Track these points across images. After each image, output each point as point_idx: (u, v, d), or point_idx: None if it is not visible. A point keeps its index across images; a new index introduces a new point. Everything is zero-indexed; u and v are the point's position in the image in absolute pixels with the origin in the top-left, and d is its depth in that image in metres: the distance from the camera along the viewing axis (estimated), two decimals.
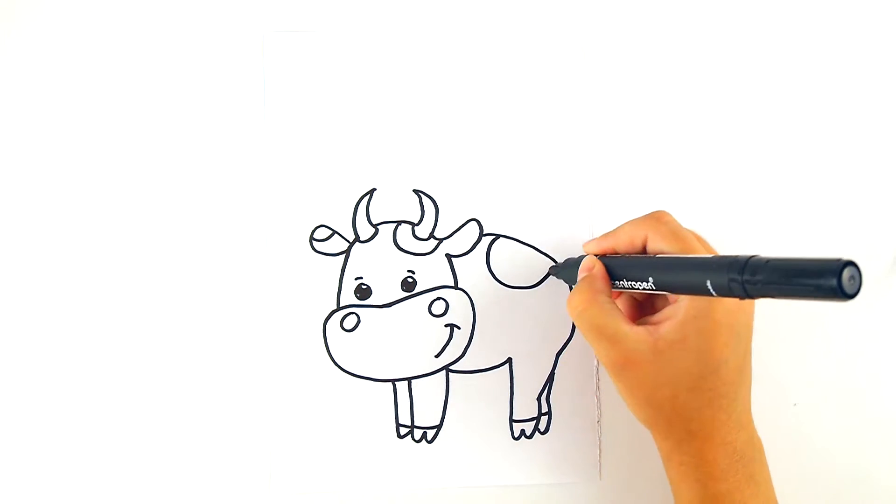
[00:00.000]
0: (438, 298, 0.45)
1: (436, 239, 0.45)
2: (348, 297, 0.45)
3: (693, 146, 0.46)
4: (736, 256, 0.31)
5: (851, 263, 0.26)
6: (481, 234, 0.45)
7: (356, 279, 0.45)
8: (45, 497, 0.44)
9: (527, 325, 0.45)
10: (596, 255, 0.40)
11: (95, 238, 0.45)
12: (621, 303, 0.41)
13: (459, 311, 0.45)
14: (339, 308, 0.45)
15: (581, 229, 0.45)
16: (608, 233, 0.41)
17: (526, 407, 0.45)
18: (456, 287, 0.45)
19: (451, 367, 0.45)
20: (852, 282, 0.26)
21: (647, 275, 0.36)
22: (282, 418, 0.44)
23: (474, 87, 0.46)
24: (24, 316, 0.44)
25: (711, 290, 0.31)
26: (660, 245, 0.37)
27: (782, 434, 0.45)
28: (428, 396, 0.45)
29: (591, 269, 0.39)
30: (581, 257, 0.42)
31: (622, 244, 0.39)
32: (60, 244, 0.45)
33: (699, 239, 0.39)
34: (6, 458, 0.44)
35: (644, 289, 0.36)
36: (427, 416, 0.45)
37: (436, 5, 0.46)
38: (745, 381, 0.37)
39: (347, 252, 0.45)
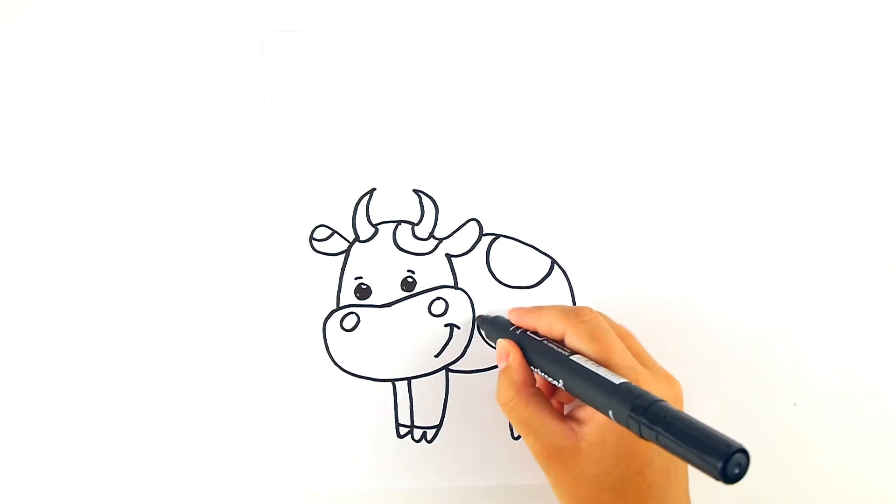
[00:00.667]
0: (438, 298, 0.45)
1: (436, 239, 0.45)
2: (348, 296, 0.45)
3: (693, 146, 0.46)
4: (642, 394, 0.30)
5: (742, 451, 0.26)
6: (481, 234, 0.45)
7: (356, 279, 0.45)
8: (45, 497, 0.44)
9: None
10: (517, 329, 0.40)
11: (94, 238, 0.45)
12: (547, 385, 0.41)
13: (459, 311, 0.45)
14: (338, 308, 0.45)
15: (581, 229, 0.45)
16: (533, 309, 0.41)
17: None
18: (456, 287, 0.45)
19: (451, 367, 0.45)
20: (737, 469, 0.26)
21: (558, 376, 0.36)
22: (282, 418, 0.44)
23: (474, 88, 0.46)
24: (24, 316, 0.44)
25: (612, 419, 0.31)
26: (576, 344, 0.37)
27: (782, 434, 0.45)
28: (428, 396, 0.45)
29: (506, 357, 0.40)
30: (503, 319, 0.42)
31: (542, 329, 0.39)
32: (60, 245, 0.45)
33: (626, 336, 0.39)
34: (6, 459, 0.44)
35: (556, 385, 0.36)
36: (427, 415, 0.45)
37: (436, 5, 0.46)
38: (677, 480, 0.36)
39: (347, 252, 0.45)
